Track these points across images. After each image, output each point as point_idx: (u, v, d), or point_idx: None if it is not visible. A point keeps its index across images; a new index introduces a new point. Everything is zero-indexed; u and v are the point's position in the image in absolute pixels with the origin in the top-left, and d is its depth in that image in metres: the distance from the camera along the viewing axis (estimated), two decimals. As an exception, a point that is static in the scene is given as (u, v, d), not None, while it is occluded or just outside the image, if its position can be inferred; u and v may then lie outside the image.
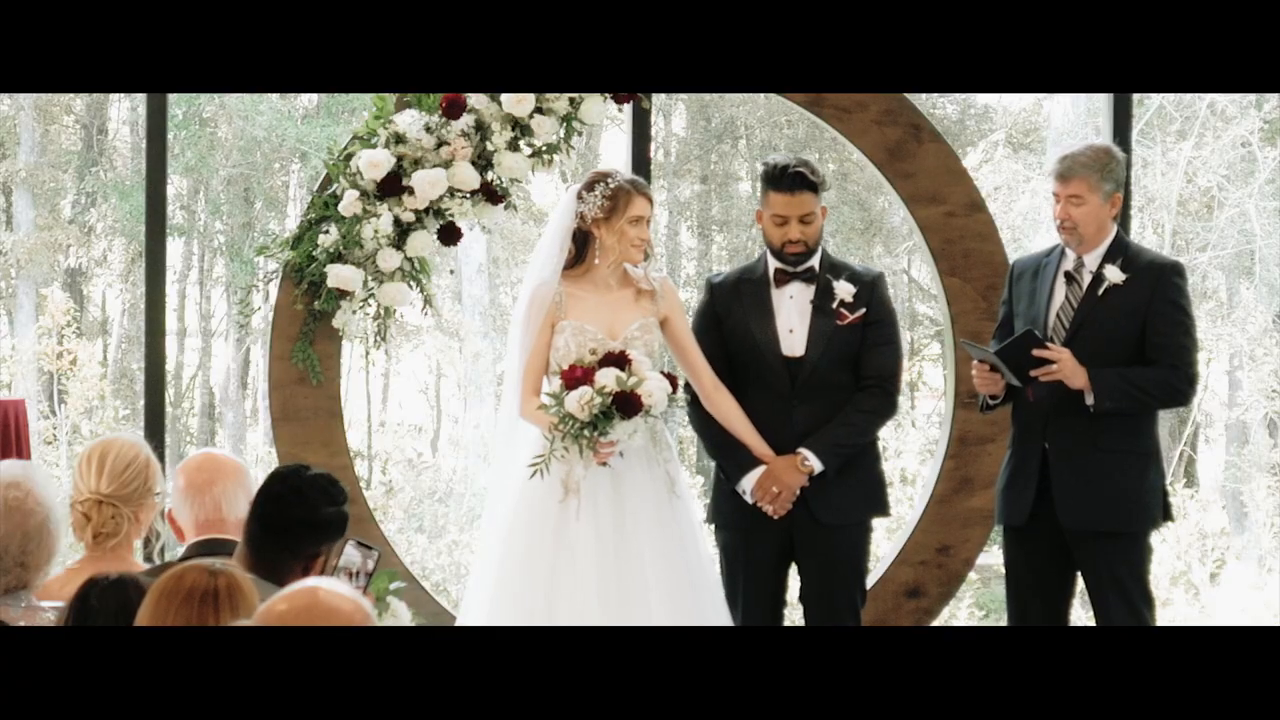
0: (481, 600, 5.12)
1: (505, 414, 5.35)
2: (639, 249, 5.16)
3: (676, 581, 5.04)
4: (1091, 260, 5.18)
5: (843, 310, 5.27)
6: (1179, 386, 5.12)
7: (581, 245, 5.19)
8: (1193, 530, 13.36)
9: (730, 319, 5.36)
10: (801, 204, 5.24)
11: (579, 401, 4.91)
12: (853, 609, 5.33)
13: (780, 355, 5.28)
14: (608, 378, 4.94)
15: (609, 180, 5.15)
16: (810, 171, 5.25)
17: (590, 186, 5.14)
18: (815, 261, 5.33)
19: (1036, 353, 5.03)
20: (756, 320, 5.32)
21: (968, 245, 6.15)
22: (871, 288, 5.33)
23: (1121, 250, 5.18)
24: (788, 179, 5.23)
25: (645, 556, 5.02)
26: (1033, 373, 5.04)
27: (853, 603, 5.33)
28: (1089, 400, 5.05)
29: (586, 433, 4.93)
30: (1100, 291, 5.14)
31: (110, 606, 2.94)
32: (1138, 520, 5.15)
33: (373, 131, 5.84)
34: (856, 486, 5.31)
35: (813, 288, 5.30)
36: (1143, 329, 5.11)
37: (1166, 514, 5.23)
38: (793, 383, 5.28)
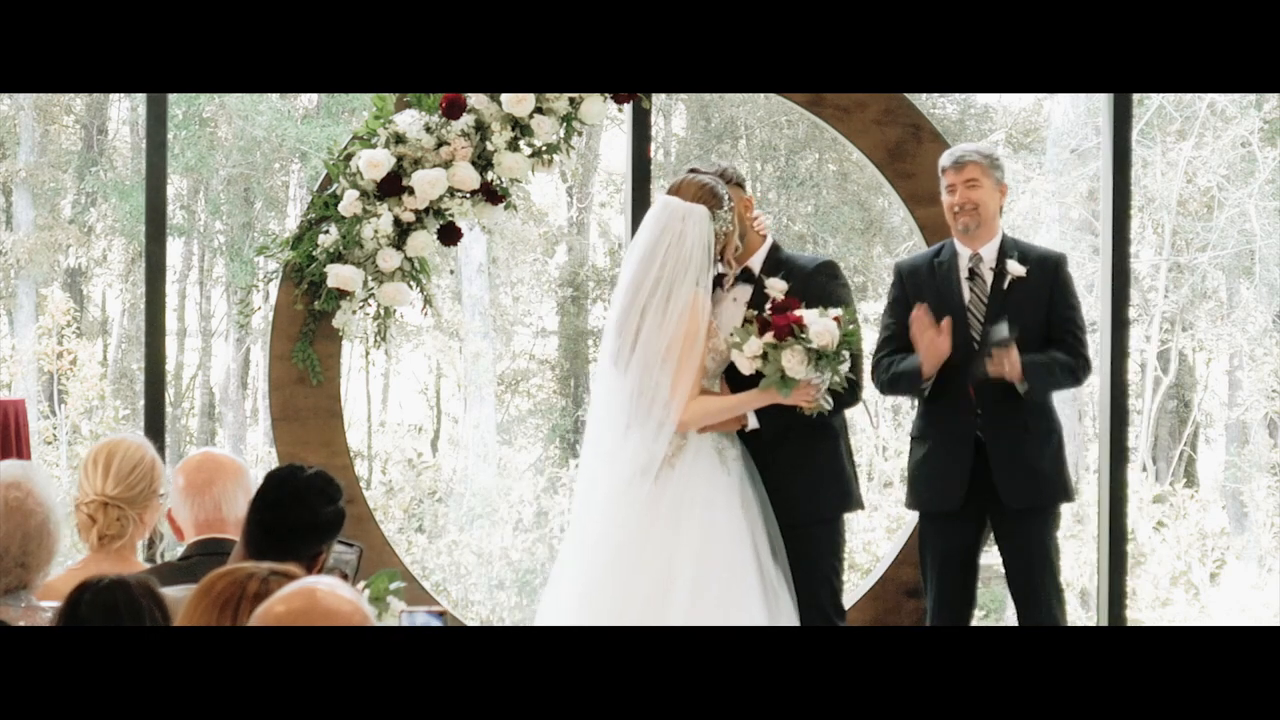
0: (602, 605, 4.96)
1: (653, 434, 5.09)
2: None
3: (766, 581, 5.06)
4: (989, 256, 5.45)
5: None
6: (1081, 371, 5.41)
7: None
8: (1193, 530, 13.37)
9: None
10: None
11: (829, 331, 4.94)
12: (836, 608, 5.19)
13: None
14: (813, 316, 4.99)
15: (726, 193, 5.14)
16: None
17: (720, 202, 5.10)
18: (755, 261, 5.25)
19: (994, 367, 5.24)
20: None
21: (968, 245, 6.15)
22: (808, 278, 5.20)
23: (1013, 246, 5.47)
24: None
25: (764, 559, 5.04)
26: (991, 369, 5.24)
27: (834, 599, 5.19)
28: (1020, 388, 5.27)
29: (841, 355, 4.96)
30: (1005, 285, 5.39)
31: (99, 611, 2.92)
32: (1063, 494, 5.43)
33: (373, 131, 5.84)
34: (828, 482, 5.20)
35: (750, 289, 5.23)
36: (1046, 317, 5.37)
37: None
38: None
